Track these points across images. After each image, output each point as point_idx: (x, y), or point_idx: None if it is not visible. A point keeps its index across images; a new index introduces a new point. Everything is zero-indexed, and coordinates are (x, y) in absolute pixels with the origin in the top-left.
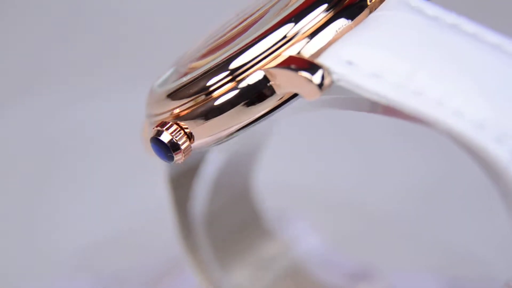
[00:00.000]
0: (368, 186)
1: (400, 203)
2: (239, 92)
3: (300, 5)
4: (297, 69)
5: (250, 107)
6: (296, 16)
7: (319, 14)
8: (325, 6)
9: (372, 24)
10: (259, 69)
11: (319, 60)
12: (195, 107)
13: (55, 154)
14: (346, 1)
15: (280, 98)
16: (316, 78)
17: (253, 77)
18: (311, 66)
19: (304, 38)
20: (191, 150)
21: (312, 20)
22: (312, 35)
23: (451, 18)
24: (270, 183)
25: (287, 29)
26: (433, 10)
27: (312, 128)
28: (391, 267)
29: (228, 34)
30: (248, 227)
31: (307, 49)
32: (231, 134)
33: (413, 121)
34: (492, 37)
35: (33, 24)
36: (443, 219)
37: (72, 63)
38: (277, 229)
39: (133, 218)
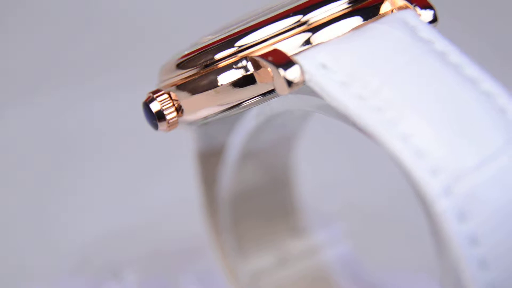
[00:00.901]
0: (371, 186)
1: (400, 204)
2: (228, 72)
3: None
4: (273, 63)
5: (235, 88)
6: (307, 8)
7: (332, 8)
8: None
9: (361, 33)
10: (249, 55)
11: (298, 58)
12: (188, 79)
13: (61, 152)
14: (367, 1)
15: (263, 89)
16: (288, 74)
17: (244, 61)
18: (287, 62)
19: (306, 32)
20: (177, 123)
21: (323, 13)
22: (317, 29)
23: (442, 45)
24: None
25: (292, 21)
26: (428, 33)
27: (310, 129)
28: (392, 268)
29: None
30: (277, 218)
31: (298, 43)
32: (216, 113)
33: (366, 135)
34: (473, 71)
35: (40, 25)
36: None
37: (78, 62)
38: (308, 228)
39: (139, 215)
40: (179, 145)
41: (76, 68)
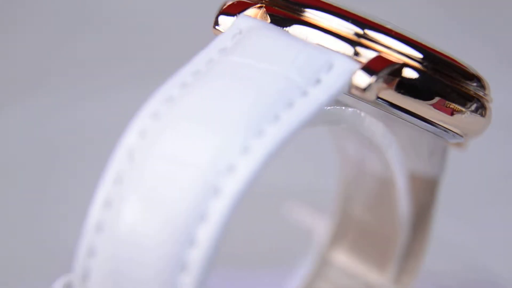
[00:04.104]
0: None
1: None
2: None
3: None
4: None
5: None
6: None
7: None
8: None
9: None
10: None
11: None
12: None
13: (55, 154)
14: None
15: None
16: None
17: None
18: None
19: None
20: None
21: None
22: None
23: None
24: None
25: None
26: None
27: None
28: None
29: None
30: (369, 238)
31: None
32: None
33: None
34: None
35: (34, 25)
36: (443, 220)
37: (73, 63)
38: (396, 263)
39: None
40: None
41: (67, 69)
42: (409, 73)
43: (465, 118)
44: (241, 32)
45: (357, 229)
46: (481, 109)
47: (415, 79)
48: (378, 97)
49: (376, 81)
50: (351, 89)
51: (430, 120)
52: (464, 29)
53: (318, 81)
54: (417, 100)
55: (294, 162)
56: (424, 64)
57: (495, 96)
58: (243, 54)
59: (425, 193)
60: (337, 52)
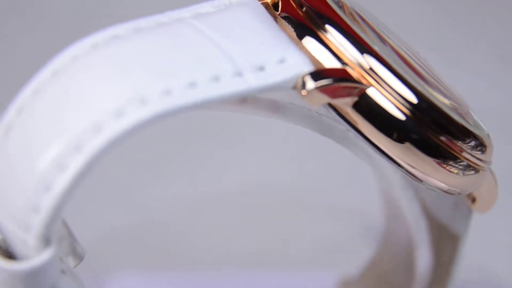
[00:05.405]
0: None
1: None
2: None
3: None
4: None
5: None
6: None
7: None
8: None
9: None
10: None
11: None
12: None
13: None
14: None
15: None
16: None
17: None
18: None
19: None
20: None
21: None
22: None
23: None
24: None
25: None
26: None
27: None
28: None
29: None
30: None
31: None
32: None
33: None
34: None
35: (34, 25)
36: None
37: None
38: None
39: (138, 215)
40: (179, 145)
41: None
42: (381, 100)
43: (442, 173)
44: (231, 4)
45: (375, 276)
46: (467, 170)
47: (396, 118)
48: (338, 113)
49: (319, 88)
50: (297, 88)
51: (392, 158)
52: (464, 28)
53: (261, 68)
54: (380, 133)
55: (294, 162)
56: (411, 109)
57: (493, 95)
58: (207, 22)
59: (447, 248)
60: (300, 50)
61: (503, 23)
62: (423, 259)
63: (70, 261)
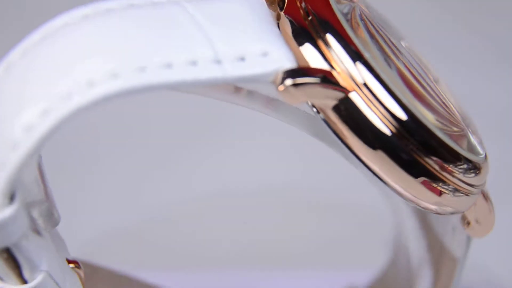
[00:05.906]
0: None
1: None
2: None
3: None
4: None
5: None
6: None
7: None
8: None
9: None
10: None
11: None
12: None
13: (63, 152)
14: None
15: None
16: None
17: None
18: None
19: None
20: None
21: None
22: None
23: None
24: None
25: None
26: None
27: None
28: None
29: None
30: None
31: None
32: None
33: None
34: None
35: (33, 24)
36: None
37: None
38: None
39: (139, 215)
40: (181, 145)
41: None
42: (362, 107)
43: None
44: None
45: None
46: (454, 192)
47: (374, 125)
48: (320, 113)
49: (296, 85)
50: (275, 83)
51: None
52: (464, 28)
53: (241, 59)
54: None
55: (294, 162)
56: (397, 127)
57: (492, 92)
58: (201, 8)
59: (447, 271)
60: (287, 47)
61: (503, 23)
62: (424, 278)
63: (43, 224)
